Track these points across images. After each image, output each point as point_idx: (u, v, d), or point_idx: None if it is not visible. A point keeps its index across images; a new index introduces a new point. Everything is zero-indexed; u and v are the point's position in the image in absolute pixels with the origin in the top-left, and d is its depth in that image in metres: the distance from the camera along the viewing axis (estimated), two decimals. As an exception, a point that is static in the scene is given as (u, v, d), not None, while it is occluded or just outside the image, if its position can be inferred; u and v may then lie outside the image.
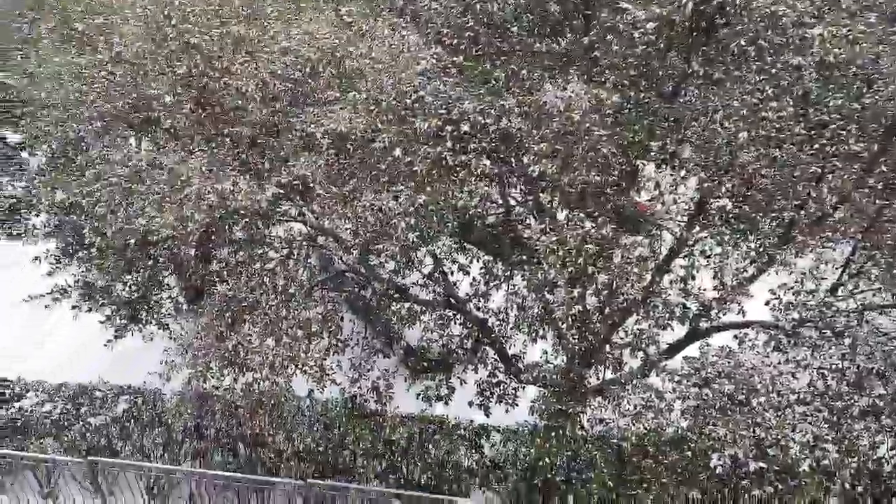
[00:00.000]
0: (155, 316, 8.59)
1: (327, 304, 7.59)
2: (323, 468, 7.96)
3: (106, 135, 7.73)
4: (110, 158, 7.52)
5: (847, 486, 5.97)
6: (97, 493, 8.28)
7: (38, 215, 8.44)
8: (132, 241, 7.24)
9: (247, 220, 7.24)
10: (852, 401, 5.84)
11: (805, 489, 6.04)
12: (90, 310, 8.38)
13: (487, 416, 7.56)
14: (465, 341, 7.84)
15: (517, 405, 7.44)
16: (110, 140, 7.64)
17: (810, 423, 5.73)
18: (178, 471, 8.31)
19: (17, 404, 8.97)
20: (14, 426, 8.74)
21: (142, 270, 8.03)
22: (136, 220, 6.91)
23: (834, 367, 5.89)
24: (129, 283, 8.30)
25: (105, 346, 8.38)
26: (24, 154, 8.39)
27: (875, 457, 5.87)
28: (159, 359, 7.25)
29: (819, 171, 5.40)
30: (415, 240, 6.22)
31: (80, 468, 8.27)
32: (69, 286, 8.33)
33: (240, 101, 7.15)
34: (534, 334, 6.99)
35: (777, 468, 5.86)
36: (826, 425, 5.75)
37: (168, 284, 8.99)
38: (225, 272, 7.68)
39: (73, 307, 8.43)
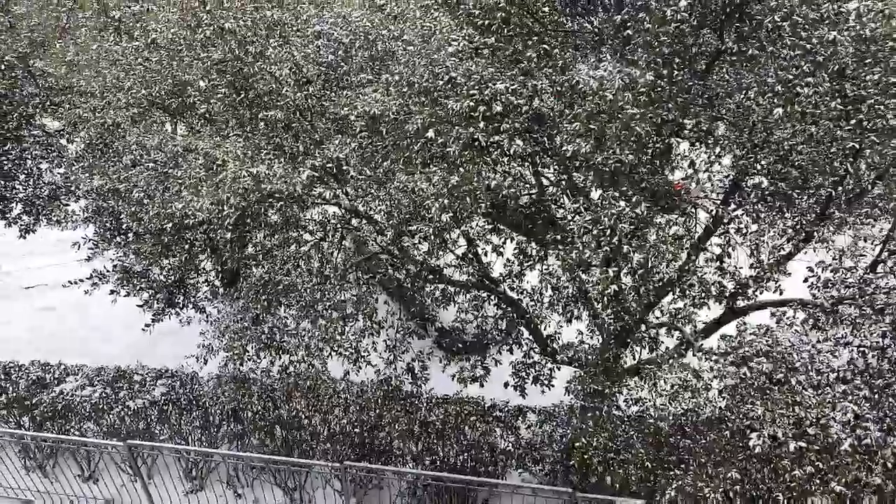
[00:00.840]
0: (192, 299, 9.70)
1: (362, 287, 8.53)
2: (359, 450, 8.94)
3: (142, 120, 8.78)
4: (147, 144, 8.56)
5: (890, 465, 6.52)
6: (137, 475, 9.41)
7: (76, 201, 9.58)
8: (169, 225, 8.25)
9: (282, 203, 8.19)
10: (894, 378, 6.43)
11: (846, 468, 6.58)
12: (128, 294, 9.53)
13: (523, 397, 8.38)
14: (500, 322, 8.68)
15: (553, 386, 8.24)
16: (146, 126, 8.69)
17: (851, 402, 6.32)
18: (216, 453, 9.41)
19: (57, 388, 10.21)
20: (55, 410, 9.96)
21: (178, 254, 9.10)
22: (172, 204, 7.87)
23: (875, 344, 6.50)
24: (165, 268, 9.43)
25: (143, 330, 9.52)
26: (63, 141, 9.51)
27: (918, 435, 6.39)
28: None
29: (856, 146, 6.01)
30: (448, 221, 6.99)
31: (119, 451, 9.41)
32: (108, 271, 9.48)
33: (274, 86, 8.09)
34: (569, 314, 7.77)
35: (817, 447, 6.42)
36: (867, 403, 6.34)
37: (204, 268, 10.09)
38: (260, 255, 8.70)
39: (112, 292, 9.59)
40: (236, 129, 8.31)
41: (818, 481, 6.63)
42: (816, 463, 6.60)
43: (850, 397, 6.42)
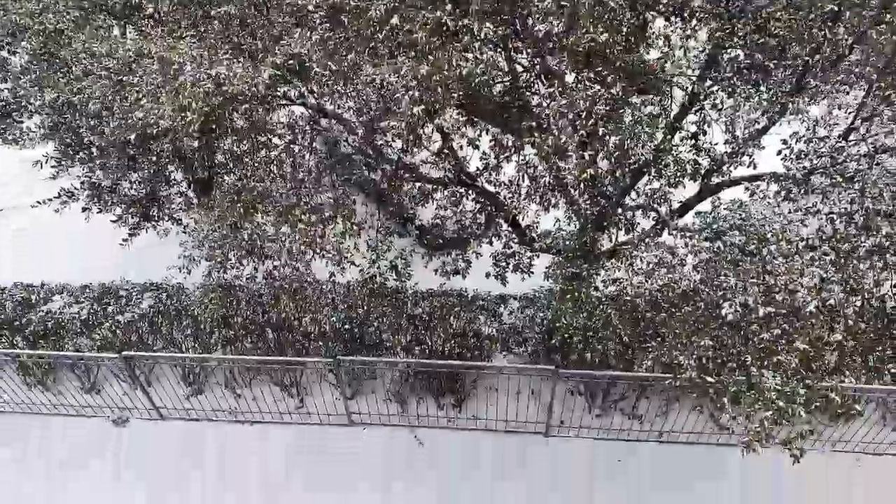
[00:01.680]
0: (166, 211, 9.41)
1: (338, 189, 8.29)
2: (350, 346, 9.13)
3: (87, 25, 8.03)
4: (96, 51, 7.88)
5: (850, 322, 6.76)
6: (136, 384, 9.57)
7: (30, 117, 8.96)
8: (132, 136, 7.79)
9: (246, 105, 7.72)
10: (859, 242, 6.54)
11: (810, 328, 6.82)
12: (101, 211, 9.19)
13: (504, 285, 8.47)
14: (479, 216, 8.59)
15: (532, 273, 8.31)
16: (92, 31, 7.95)
17: (817, 267, 6.45)
18: (211, 358, 9.54)
19: (44, 307, 10.11)
20: (46, 329, 9.91)
21: (146, 167, 8.69)
22: (132, 114, 7.38)
23: (843, 211, 6.56)
24: (135, 181, 9.02)
25: (121, 245, 9.29)
26: (3, 53, 8.74)
27: (879, 294, 6.61)
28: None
29: (835, 8, 5.71)
30: (420, 114, 6.65)
31: (116, 363, 9.51)
32: (75, 189, 9.07)
33: (223, -23, 7.36)
34: (546, 203, 7.65)
35: (784, 311, 6.62)
36: (832, 267, 6.48)
37: (175, 179, 9.70)
38: (231, 163, 8.33)
39: (84, 209, 9.23)
40: (189, 29, 7.65)
41: (784, 342, 6.91)
42: (783, 325, 6.86)
43: (816, 263, 6.52)
